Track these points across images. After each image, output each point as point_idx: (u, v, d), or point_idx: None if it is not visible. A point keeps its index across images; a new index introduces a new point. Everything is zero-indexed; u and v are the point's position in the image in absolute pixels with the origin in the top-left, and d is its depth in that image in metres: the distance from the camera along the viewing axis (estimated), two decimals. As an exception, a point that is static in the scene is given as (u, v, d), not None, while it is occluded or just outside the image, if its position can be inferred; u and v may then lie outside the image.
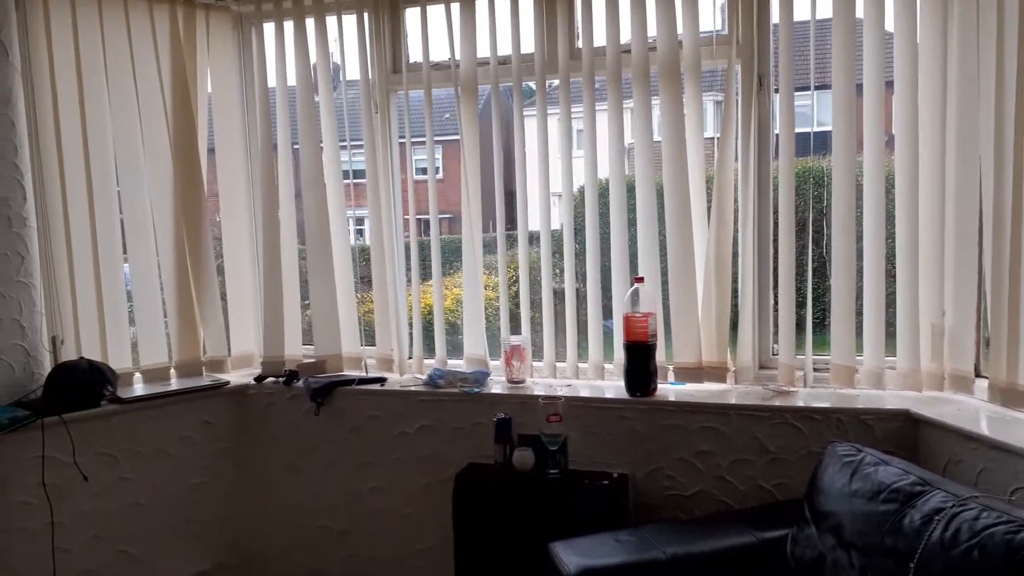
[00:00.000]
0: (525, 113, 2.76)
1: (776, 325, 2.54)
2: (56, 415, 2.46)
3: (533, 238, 2.81)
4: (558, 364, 2.79)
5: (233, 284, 3.08)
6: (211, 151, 3.05)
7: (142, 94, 2.82)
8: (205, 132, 3.00)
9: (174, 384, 2.84)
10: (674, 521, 2.34)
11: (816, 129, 2.71)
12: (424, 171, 2.96)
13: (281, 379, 2.88)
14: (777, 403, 2.36)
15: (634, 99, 2.59)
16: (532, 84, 2.78)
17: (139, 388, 2.80)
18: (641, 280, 2.52)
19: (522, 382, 2.73)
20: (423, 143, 2.89)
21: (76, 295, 2.73)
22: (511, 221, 2.83)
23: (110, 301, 2.79)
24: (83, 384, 2.56)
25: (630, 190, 2.64)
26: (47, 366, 2.65)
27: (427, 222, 2.94)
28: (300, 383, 2.84)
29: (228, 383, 2.87)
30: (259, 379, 2.91)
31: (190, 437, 2.79)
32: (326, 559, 2.88)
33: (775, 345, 2.59)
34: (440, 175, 2.94)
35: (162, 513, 2.74)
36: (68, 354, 2.71)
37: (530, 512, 2.40)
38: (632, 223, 2.64)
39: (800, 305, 2.48)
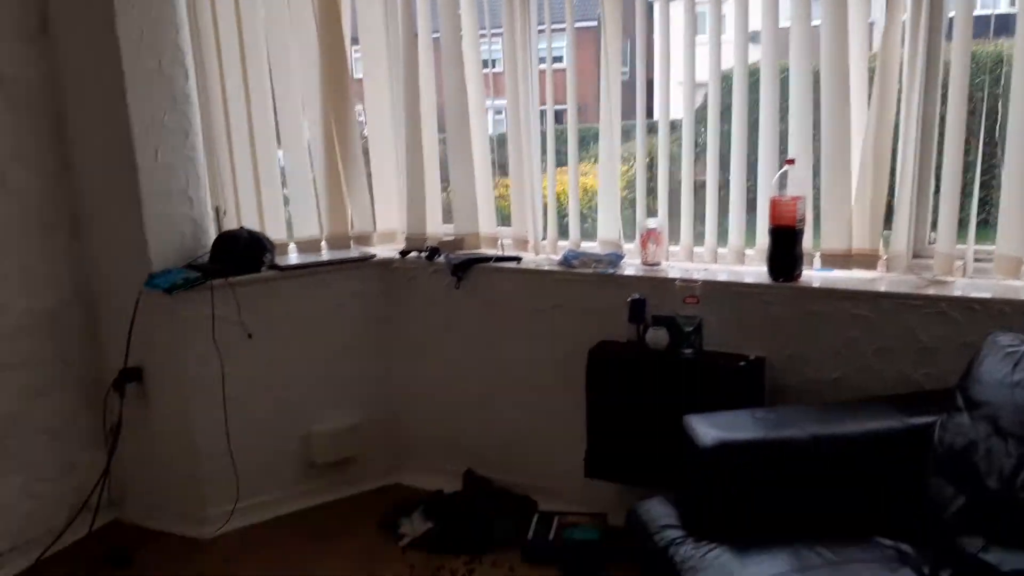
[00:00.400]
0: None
1: (935, 212, 2.41)
2: (222, 277, 2.67)
3: (675, 125, 2.74)
4: (696, 249, 2.76)
5: (377, 165, 3.18)
6: (354, 40, 3.11)
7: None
8: (349, 20, 3.05)
9: (325, 255, 3.02)
10: (814, 404, 2.33)
11: (996, 11, 2.47)
12: (555, 60, 2.91)
13: (423, 254, 3.00)
14: (932, 292, 2.26)
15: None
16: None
17: (294, 258, 2.99)
18: (792, 162, 2.43)
19: (657, 265, 2.73)
20: (558, 30, 2.83)
21: (235, 170, 2.91)
22: (650, 108, 2.77)
23: (265, 176, 2.96)
24: (245, 251, 2.75)
25: (781, 75, 2.51)
26: (212, 234, 2.85)
27: (558, 111, 2.91)
28: (441, 258, 2.95)
29: (374, 256, 3.02)
30: (403, 253, 3.04)
31: (341, 305, 2.97)
32: (465, 421, 3.06)
33: (932, 233, 2.46)
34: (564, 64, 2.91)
35: (317, 372, 2.97)
36: (229, 224, 2.91)
37: (662, 389, 2.44)
38: (784, 108, 2.52)
39: (964, 192, 2.34)
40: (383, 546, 2.73)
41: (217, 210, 2.89)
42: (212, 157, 2.88)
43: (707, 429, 1.99)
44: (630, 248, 2.85)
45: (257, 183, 2.96)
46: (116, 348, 2.77)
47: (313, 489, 3.03)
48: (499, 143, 3.06)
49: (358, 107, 3.14)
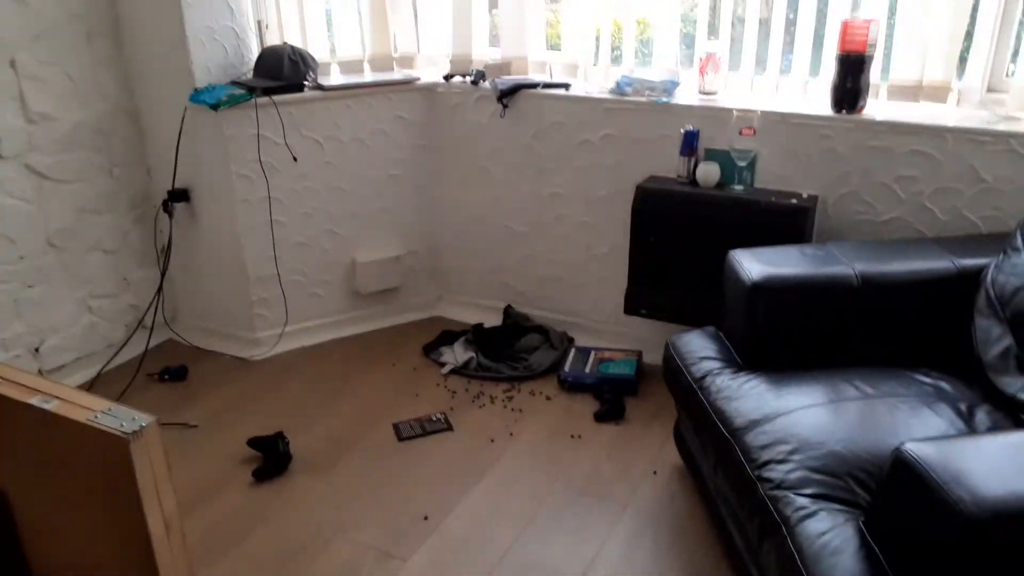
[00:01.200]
0: None
1: (1018, 41, 2.23)
2: (267, 96, 2.62)
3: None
4: (756, 78, 2.62)
5: (423, -19, 3.03)
6: None
7: None
8: None
9: (368, 76, 2.94)
10: (863, 241, 2.28)
11: None
12: None
13: (469, 78, 2.90)
14: (1003, 128, 2.14)
15: None
16: None
17: (337, 78, 2.91)
18: (869, -20, 2.25)
19: (715, 94, 2.61)
20: None
21: (276, -20, 2.79)
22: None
23: (307, -10, 2.84)
24: (289, 69, 2.68)
25: None
26: (255, 50, 2.78)
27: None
28: (487, 84, 2.86)
29: (419, 79, 2.93)
30: (447, 78, 2.94)
31: (384, 130, 2.92)
32: (506, 256, 3.07)
33: (1011, 66, 2.29)
34: None
35: (362, 199, 2.97)
36: (272, 39, 2.82)
37: (710, 226, 2.40)
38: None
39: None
40: (425, 372, 2.83)
41: (259, 24, 2.79)
42: (251, -35, 2.76)
43: (753, 263, 1.97)
44: (687, 76, 2.72)
45: (299, -3, 2.84)
46: (163, 167, 2.79)
47: (358, 317, 3.11)
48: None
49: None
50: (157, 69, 2.69)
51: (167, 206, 2.80)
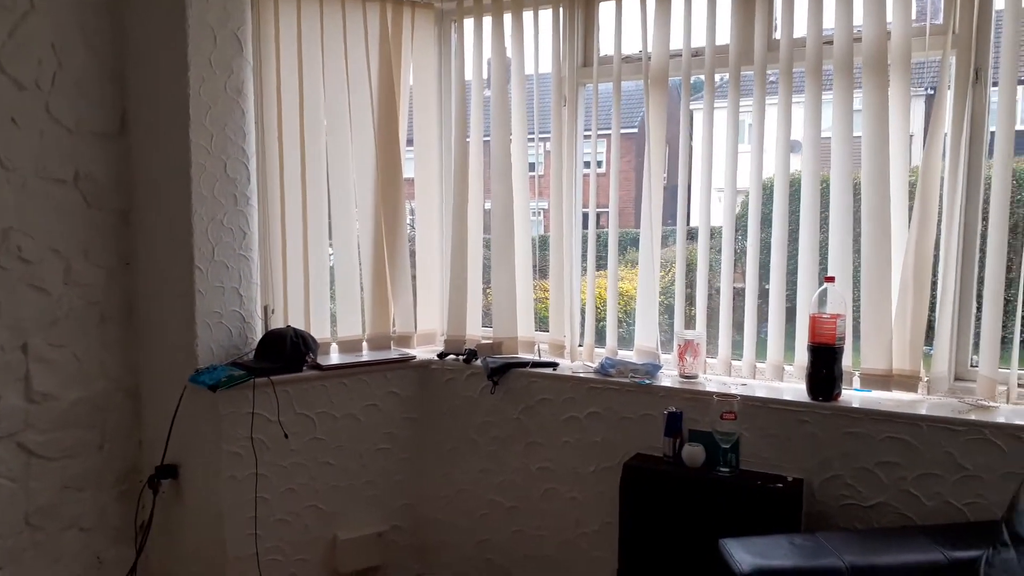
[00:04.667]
0: (716, 105, 2.73)
1: (977, 335, 2.38)
2: (265, 376, 2.72)
3: (715, 233, 2.78)
4: (734, 363, 2.75)
5: (422, 266, 3.27)
6: (409, 141, 3.24)
7: (353, 87, 3.04)
8: (406, 123, 3.19)
9: (366, 355, 3.07)
10: (852, 530, 2.26)
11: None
12: (596, 164, 3.02)
13: (461, 357, 3.03)
14: (974, 417, 2.21)
15: (834, 92, 2.50)
16: (715, 76, 2.74)
17: (335, 357, 3.04)
18: (832, 280, 2.44)
19: (695, 377, 2.72)
20: (603, 136, 2.94)
21: (287, 270, 2.99)
22: (690, 216, 2.82)
23: (315, 276, 3.03)
24: (290, 351, 2.80)
25: (824, 186, 2.56)
26: (259, 332, 2.92)
27: (600, 215, 3.00)
28: (478, 361, 2.98)
29: (414, 357, 3.06)
30: (441, 355, 3.07)
31: (377, 405, 2.99)
32: (493, 532, 3.01)
33: (975, 356, 2.42)
34: (603, 168, 3.02)
35: (348, 474, 2.96)
36: (277, 322, 2.98)
37: (698, 508, 2.39)
38: (824, 221, 2.56)
39: (1007, 315, 2.31)
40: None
41: (266, 309, 2.96)
42: (266, 257, 2.97)
43: (743, 555, 1.95)
44: (667, 358, 2.85)
45: (307, 282, 3.03)
46: (155, 442, 2.82)
47: (335, 601, 2.98)
48: (540, 245, 3.12)
49: (408, 206, 3.25)
50: (161, 350, 2.82)
51: (153, 482, 2.78)
